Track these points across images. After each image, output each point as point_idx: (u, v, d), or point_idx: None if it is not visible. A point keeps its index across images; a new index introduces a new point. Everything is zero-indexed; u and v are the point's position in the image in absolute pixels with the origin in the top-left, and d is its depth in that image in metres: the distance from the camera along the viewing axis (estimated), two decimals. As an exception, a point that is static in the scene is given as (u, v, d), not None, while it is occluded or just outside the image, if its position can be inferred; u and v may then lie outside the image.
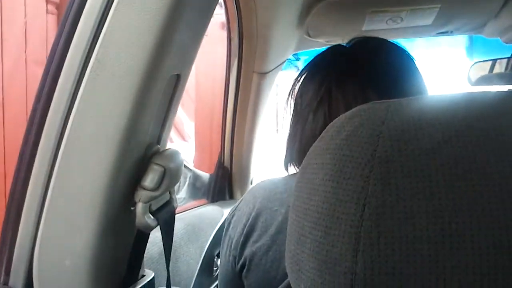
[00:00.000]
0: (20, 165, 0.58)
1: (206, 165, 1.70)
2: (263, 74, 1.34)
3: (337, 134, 0.34)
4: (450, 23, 1.27)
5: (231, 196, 1.56)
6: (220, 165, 1.52)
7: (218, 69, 1.44)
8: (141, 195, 0.61)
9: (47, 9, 2.14)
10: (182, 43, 0.63)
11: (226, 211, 1.40)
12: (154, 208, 0.64)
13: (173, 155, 0.66)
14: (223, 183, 1.53)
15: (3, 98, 1.94)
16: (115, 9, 0.55)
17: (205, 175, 1.52)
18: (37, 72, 2.10)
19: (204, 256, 1.21)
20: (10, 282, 0.59)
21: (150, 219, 0.62)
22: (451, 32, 1.34)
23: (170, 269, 0.75)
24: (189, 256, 1.14)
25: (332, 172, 0.33)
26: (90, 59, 0.56)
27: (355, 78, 0.77)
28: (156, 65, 0.57)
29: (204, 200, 1.52)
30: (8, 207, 0.58)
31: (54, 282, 0.58)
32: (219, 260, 1.29)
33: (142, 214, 0.61)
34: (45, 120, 0.57)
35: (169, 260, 0.68)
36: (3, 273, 0.58)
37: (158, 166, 0.62)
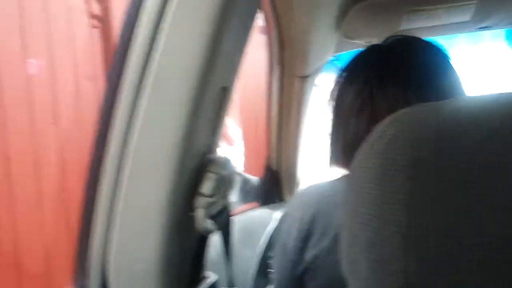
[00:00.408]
0: (90, 177, 0.64)
1: (254, 168, 1.74)
2: (304, 78, 1.37)
3: (381, 138, 0.36)
4: (489, 17, 1.25)
5: (281, 199, 1.60)
6: (268, 168, 1.56)
7: (261, 73, 1.48)
8: (200, 201, 0.66)
9: (90, 24, 2.25)
10: (228, 57, 0.67)
11: (277, 214, 1.43)
12: (212, 213, 0.68)
13: (225, 162, 0.70)
14: (272, 186, 1.57)
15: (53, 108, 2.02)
16: (167, 30, 0.59)
17: (254, 179, 1.56)
18: (84, 84, 2.20)
19: (259, 259, 1.25)
20: (88, 286, 0.65)
21: (209, 223, 0.67)
22: (490, 26, 1.32)
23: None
24: (243, 258, 1.19)
25: (377, 175, 0.35)
26: (147, 76, 0.61)
27: (395, 79, 0.79)
28: (206, 79, 0.62)
29: (254, 204, 1.56)
30: (82, 216, 0.64)
31: (127, 285, 0.64)
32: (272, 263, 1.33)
33: (201, 219, 0.66)
34: (110, 135, 0.63)
35: (230, 261, 0.72)
36: (81, 277, 0.64)
37: (212, 173, 0.67)
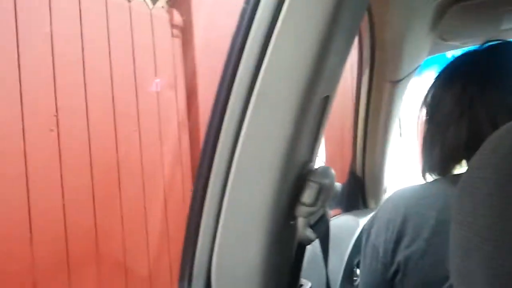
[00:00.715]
0: (197, 186, 0.66)
1: (337, 174, 1.72)
2: (395, 82, 1.33)
3: (495, 150, 0.35)
4: None
5: (365, 206, 1.56)
6: (353, 174, 1.53)
7: (347, 77, 1.46)
8: (301, 211, 0.66)
9: (172, 33, 2.30)
10: (332, 66, 0.67)
11: (362, 221, 1.40)
12: (311, 222, 0.68)
13: (326, 171, 0.70)
14: (356, 193, 1.54)
15: (138, 117, 2.08)
16: (276, 40, 0.60)
17: (337, 185, 1.54)
18: (167, 94, 2.26)
19: (345, 266, 1.23)
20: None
21: (309, 232, 0.67)
22: None
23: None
24: (331, 265, 1.17)
25: (495, 188, 0.34)
26: (253, 90, 0.62)
27: (496, 85, 0.77)
28: (310, 90, 0.62)
29: (338, 210, 1.54)
30: (188, 223, 0.67)
31: None
32: (357, 270, 1.31)
33: (302, 228, 0.66)
34: (217, 145, 0.65)
35: (327, 269, 0.72)
36: (186, 281, 0.67)
37: (313, 183, 0.67)
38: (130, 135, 2.03)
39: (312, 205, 0.66)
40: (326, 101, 0.70)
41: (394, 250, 0.80)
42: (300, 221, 0.66)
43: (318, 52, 0.59)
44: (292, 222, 0.68)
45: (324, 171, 0.69)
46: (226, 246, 0.65)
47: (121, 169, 1.96)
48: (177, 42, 2.33)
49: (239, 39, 0.62)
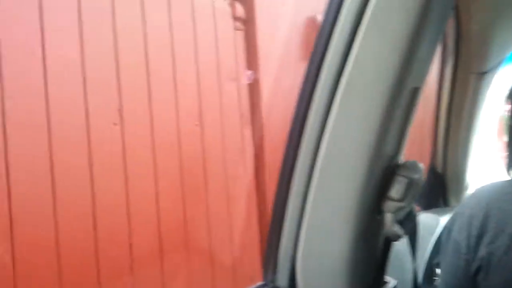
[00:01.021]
0: (282, 178, 0.66)
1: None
2: (481, 74, 1.26)
3: None
4: None
5: (446, 203, 1.50)
6: (433, 171, 1.47)
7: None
8: (389, 206, 0.64)
9: (234, 26, 2.27)
10: (421, 57, 0.64)
11: (442, 219, 1.34)
12: (399, 218, 0.66)
13: (415, 166, 0.67)
14: (437, 190, 1.48)
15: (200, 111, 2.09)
16: (362, 34, 0.59)
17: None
18: (229, 87, 2.26)
19: (425, 264, 1.19)
20: (277, 281, 0.67)
21: (397, 228, 0.65)
22: None
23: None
24: (412, 263, 1.14)
25: None
26: (340, 82, 0.61)
27: None
28: (400, 81, 0.60)
29: (417, 208, 1.49)
30: (273, 215, 0.67)
31: (315, 282, 0.65)
32: (437, 269, 1.26)
33: (390, 223, 0.64)
34: (302, 137, 0.65)
35: (415, 267, 0.70)
36: (271, 272, 0.67)
37: (402, 177, 0.65)
38: (193, 129, 2.03)
39: (400, 200, 0.64)
40: (414, 92, 0.68)
41: (476, 246, 0.79)
42: (388, 217, 0.64)
43: (408, 42, 0.58)
44: (378, 217, 0.67)
45: (414, 166, 0.67)
46: (312, 239, 0.64)
47: (183, 162, 1.97)
48: (240, 35, 2.32)
49: (326, 29, 0.62)
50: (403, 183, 0.64)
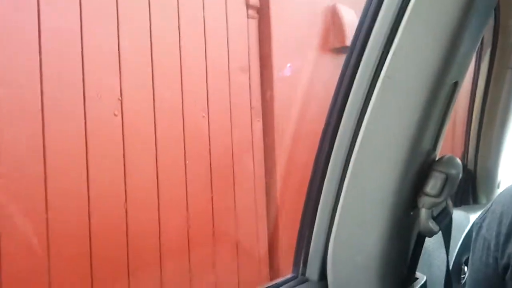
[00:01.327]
0: (315, 172, 0.66)
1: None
2: (519, 70, 1.22)
3: None
4: None
5: (475, 201, 1.47)
6: (463, 167, 1.44)
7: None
8: (424, 201, 0.63)
9: (248, 14, 2.19)
10: (463, 52, 0.63)
11: (472, 217, 1.32)
12: (434, 214, 0.65)
13: (453, 161, 0.66)
14: (467, 187, 1.45)
15: (208, 100, 2.02)
16: (404, 27, 0.58)
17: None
18: (240, 78, 2.20)
19: (453, 262, 1.17)
20: (307, 273, 0.67)
21: (433, 224, 0.64)
22: None
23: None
24: (441, 261, 1.12)
25: None
26: (379, 76, 0.60)
27: None
28: (441, 76, 0.59)
29: (447, 204, 1.46)
30: (304, 208, 0.67)
31: (346, 276, 0.65)
32: (465, 267, 1.24)
33: (425, 219, 0.63)
34: (337, 129, 0.64)
35: (448, 263, 0.69)
36: (301, 265, 0.67)
37: (439, 173, 0.64)
38: (199, 121, 1.95)
39: (436, 196, 0.63)
40: (454, 87, 0.66)
41: (505, 243, 0.77)
42: (423, 212, 0.63)
43: (451, 35, 0.56)
44: (412, 213, 0.66)
45: (451, 161, 0.66)
46: (344, 233, 0.64)
47: (187, 154, 1.93)
48: (253, 23, 2.23)
49: (367, 21, 0.61)
50: (440, 178, 0.63)
